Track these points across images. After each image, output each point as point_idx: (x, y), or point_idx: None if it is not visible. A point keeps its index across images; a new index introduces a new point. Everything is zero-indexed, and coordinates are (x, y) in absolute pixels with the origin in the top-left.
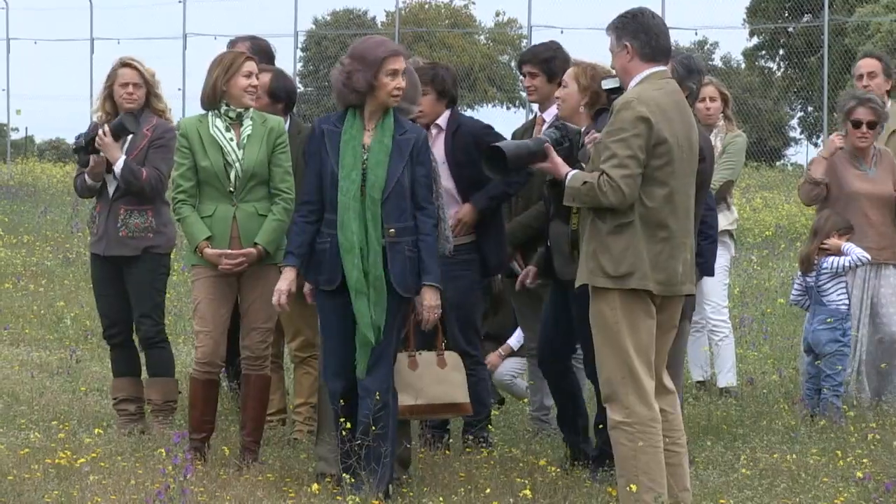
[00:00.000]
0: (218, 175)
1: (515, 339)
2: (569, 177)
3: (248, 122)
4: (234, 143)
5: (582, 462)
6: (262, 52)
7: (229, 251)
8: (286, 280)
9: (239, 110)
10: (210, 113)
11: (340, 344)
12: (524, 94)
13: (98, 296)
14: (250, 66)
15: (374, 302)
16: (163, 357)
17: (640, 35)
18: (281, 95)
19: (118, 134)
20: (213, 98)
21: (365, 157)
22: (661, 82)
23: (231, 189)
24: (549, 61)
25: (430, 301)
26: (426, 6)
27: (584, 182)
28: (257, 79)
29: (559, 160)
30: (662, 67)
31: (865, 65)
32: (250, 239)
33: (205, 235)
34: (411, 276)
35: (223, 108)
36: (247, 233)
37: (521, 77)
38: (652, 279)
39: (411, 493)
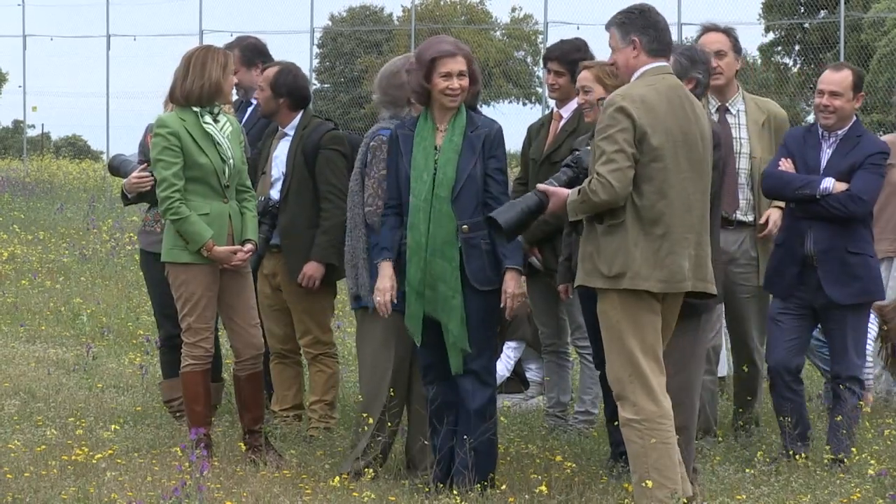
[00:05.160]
0: (217, 172)
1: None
2: (569, 196)
3: (224, 119)
4: (225, 139)
5: (622, 463)
6: (257, 51)
7: (239, 247)
8: (388, 277)
9: (222, 107)
10: (199, 110)
11: (425, 346)
12: (540, 90)
13: (167, 296)
14: (234, 63)
15: (448, 298)
16: (216, 359)
17: (649, 30)
18: (281, 91)
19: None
20: (213, 95)
21: (436, 158)
22: (656, 78)
23: (227, 185)
24: (577, 63)
25: (513, 288)
26: (442, 2)
27: (579, 191)
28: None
29: (559, 190)
30: (663, 63)
31: (711, 41)
32: (238, 236)
33: (210, 234)
34: (491, 269)
35: (213, 106)
36: (236, 229)
37: (546, 71)
38: (651, 277)
39: (427, 490)
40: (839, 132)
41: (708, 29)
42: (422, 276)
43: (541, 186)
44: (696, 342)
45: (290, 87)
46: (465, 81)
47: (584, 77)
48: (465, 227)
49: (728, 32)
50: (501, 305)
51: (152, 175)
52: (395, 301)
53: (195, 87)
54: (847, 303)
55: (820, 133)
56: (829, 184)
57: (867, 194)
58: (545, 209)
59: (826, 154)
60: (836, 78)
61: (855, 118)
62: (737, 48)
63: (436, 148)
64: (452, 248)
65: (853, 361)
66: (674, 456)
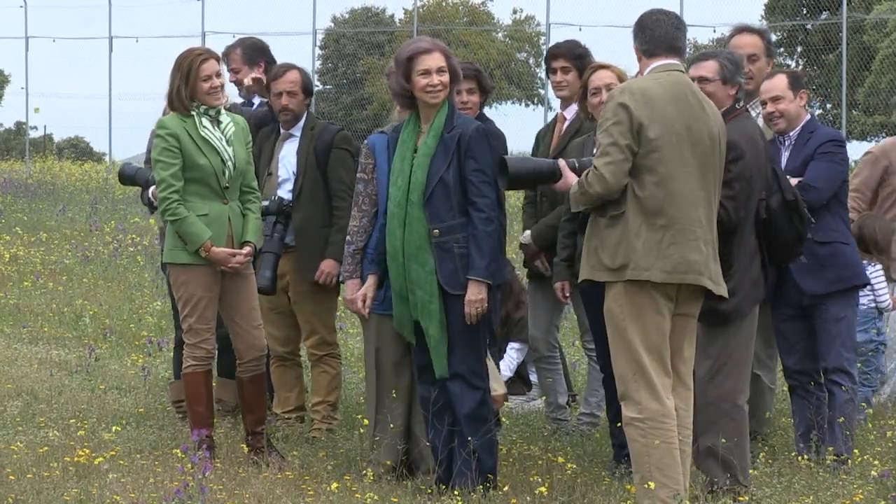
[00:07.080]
0: (216, 173)
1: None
2: (572, 187)
3: (227, 120)
4: (223, 142)
5: (625, 464)
6: (258, 50)
7: (237, 250)
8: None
9: (217, 108)
10: (194, 112)
11: (418, 348)
12: (543, 92)
13: None
14: (209, 67)
15: (426, 302)
16: (232, 360)
17: (639, 34)
18: (311, 90)
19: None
20: (182, 103)
21: (413, 162)
22: (661, 74)
23: (226, 186)
24: (582, 58)
25: (470, 295)
26: (444, 4)
27: (579, 184)
28: (219, 77)
29: (570, 175)
30: (668, 61)
31: (744, 43)
32: (238, 237)
33: (208, 235)
34: (464, 273)
35: (202, 108)
36: (236, 231)
37: (551, 72)
38: (653, 268)
39: (429, 491)
40: (792, 134)
41: (741, 30)
42: (402, 281)
43: (560, 161)
44: (728, 352)
45: (312, 86)
46: (446, 77)
47: (606, 75)
48: (436, 231)
49: (762, 35)
50: (470, 311)
51: None
52: (368, 307)
53: (169, 95)
54: (821, 292)
55: (778, 140)
56: None
57: (819, 181)
58: (553, 182)
59: (784, 157)
60: (771, 84)
61: (809, 117)
62: (769, 52)
63: (415, 151)
64: (426, 253)
65: (840, 353)
66: (676, 455)
